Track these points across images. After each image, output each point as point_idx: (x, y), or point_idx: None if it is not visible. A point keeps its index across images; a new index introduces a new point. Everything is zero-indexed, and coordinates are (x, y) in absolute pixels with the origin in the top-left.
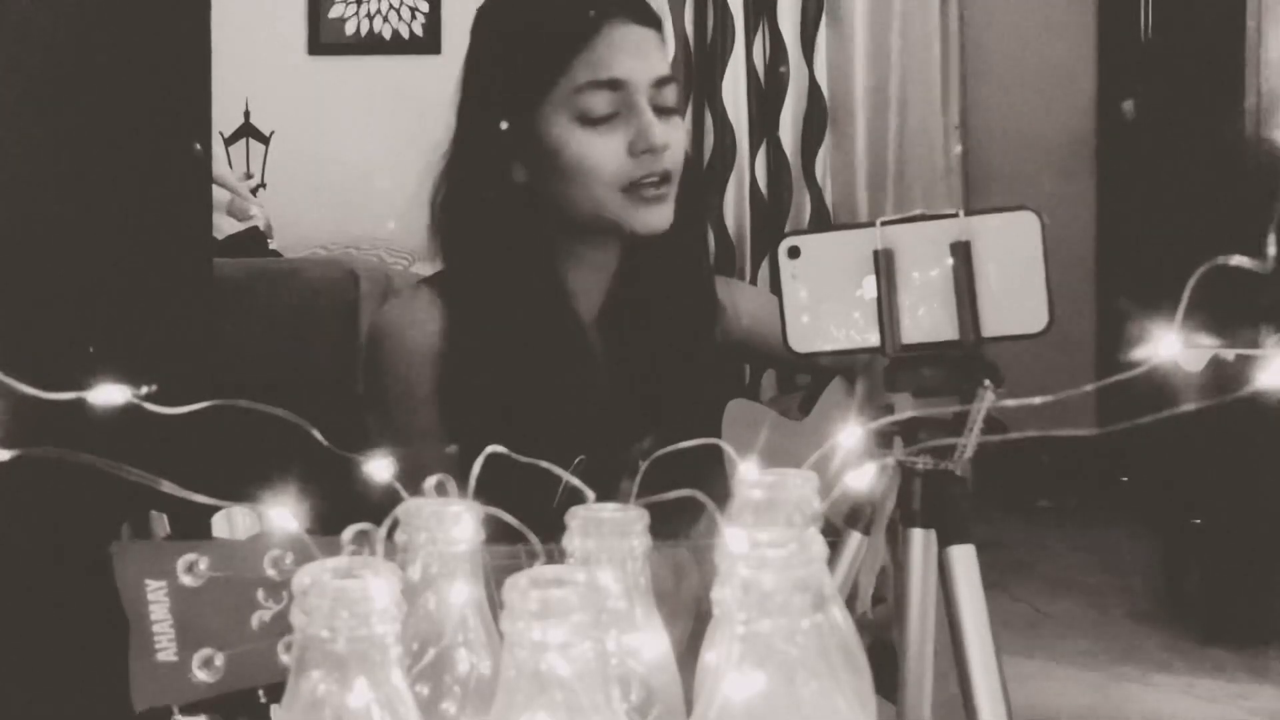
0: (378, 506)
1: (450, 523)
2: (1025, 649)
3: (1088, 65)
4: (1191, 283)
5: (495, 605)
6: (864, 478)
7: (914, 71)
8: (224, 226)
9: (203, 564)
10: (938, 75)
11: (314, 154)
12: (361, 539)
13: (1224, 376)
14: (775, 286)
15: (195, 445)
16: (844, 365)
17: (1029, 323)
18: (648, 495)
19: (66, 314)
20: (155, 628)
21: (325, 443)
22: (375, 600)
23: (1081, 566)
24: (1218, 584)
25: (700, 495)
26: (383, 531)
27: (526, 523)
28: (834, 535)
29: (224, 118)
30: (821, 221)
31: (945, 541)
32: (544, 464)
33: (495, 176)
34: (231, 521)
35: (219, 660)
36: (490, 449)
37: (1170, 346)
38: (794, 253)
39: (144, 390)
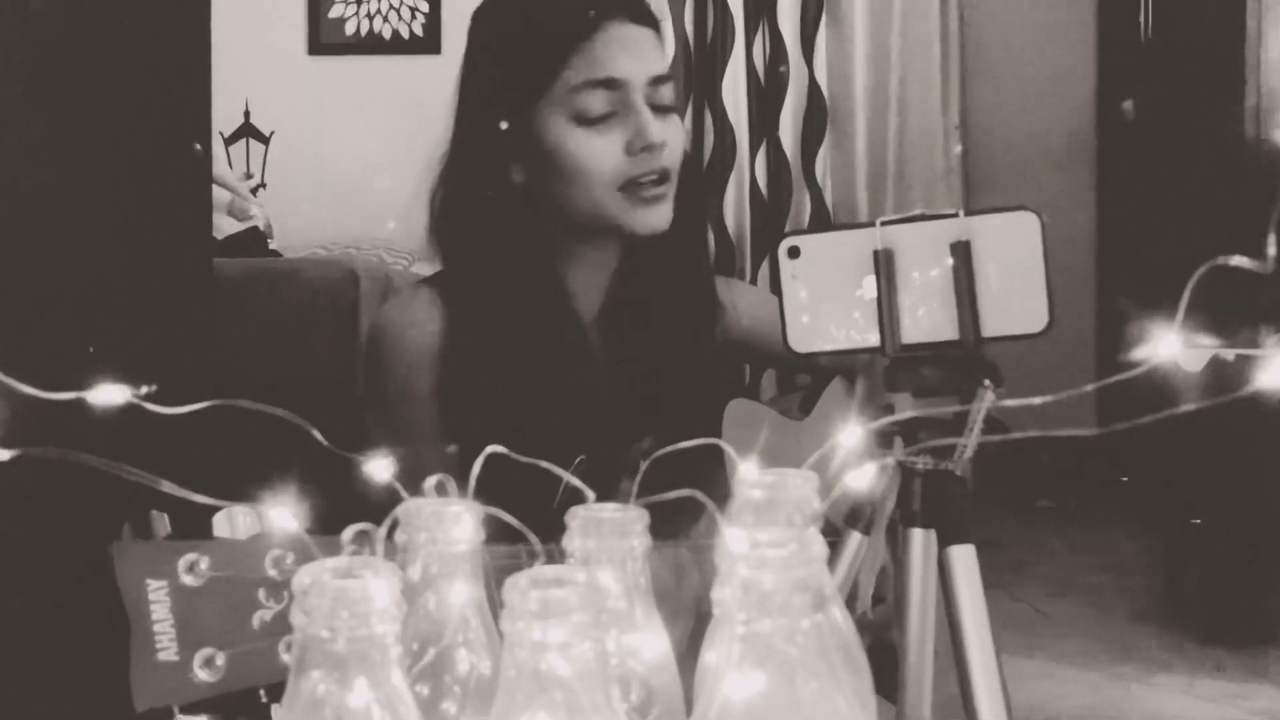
0: (378, 506)
1: (450, 523)
2: (1025, 649)
3: (1088, 65)
4: (1191, 283)
5: (495, 605)
6: (864, 478)
7: (914, 71)
8: (224, 226)
9: (204, 564)
10: (938, 75)
11: (314, 154)
12: (361, 539)
13: (1224, 376)
14: (775, 286)
15: (195, 445)
16: (844, 365)
17: (1029, 323)
18: (648, 495)
19: (66, 314)
20: (156, 627)
21: (325, 443)
22: (375, 600)
23: (1081, 566)
24: (1218, 584)
25: (700, 495)
26: (383, 531)
27: (526, 523)
28: (834, 535)
29: (224, 118)
30: (821, 221)
31: (945, 541)
32: (544, 464)
33: (494, 177)
34: (232, 521)
35: (220, 660)
36: (490, 449)
37: (1170, 346)
38: (794, 253)
39: (144, 390)
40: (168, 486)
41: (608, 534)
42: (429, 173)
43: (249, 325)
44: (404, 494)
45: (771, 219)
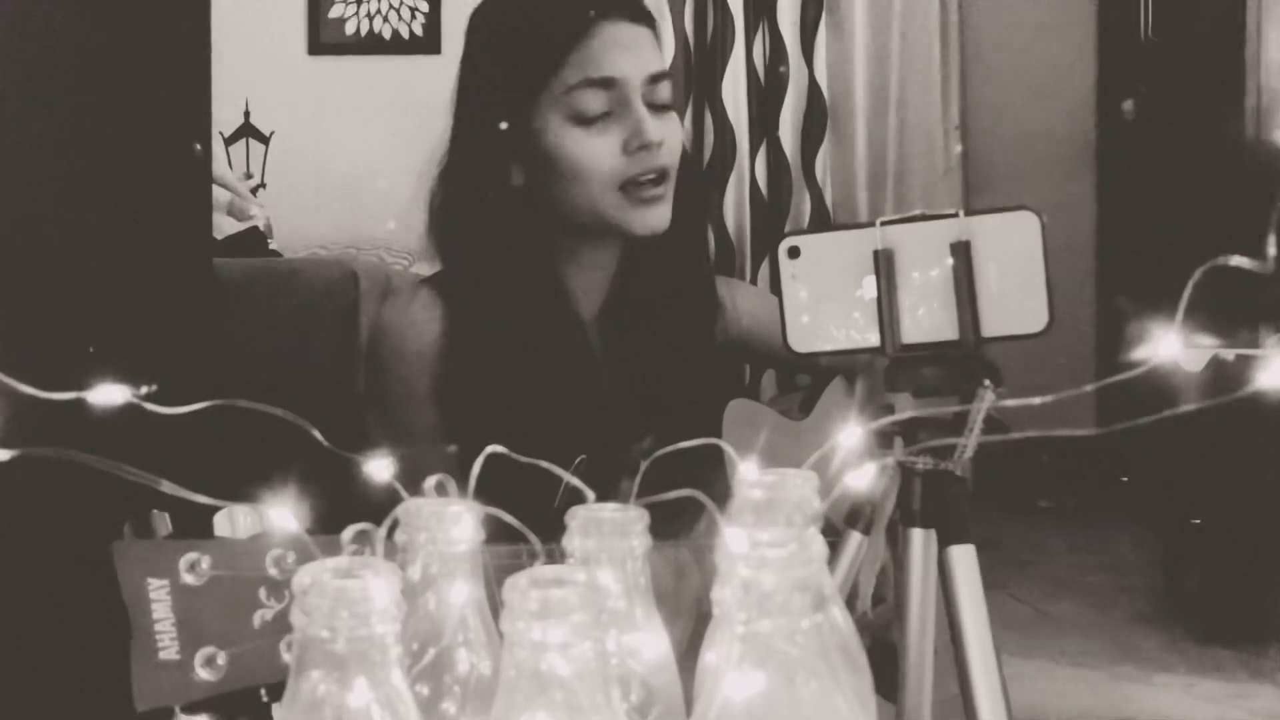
0: (378, 506)
1: (450, 523)
2: (1025, 649)
3: (1088, 65)
4: (1191, 283)
5: (495, 605)
6: (864, 478)
7: (914, 71)
8: (224, 226)
9: (205, 563)
10: (938, 75)
11: (314, 154)
12: (361, 539)
13: (1224, 376)
14: (775, 286)
15: (195, 445)
16: (844, 365)
17: (1029, 323)
18: (648, 495)
19: (66, 314)
20: (157, 626)
21: (325, 443)
22: (375, 600)
23: (1081, 566)
24: (1218, 584)
25: (700, 495)
26: (383, 531)
27: (526, 523)
28: (834, 535)
29: (224, 118)
30: (821, 221)
31: (945, 541)
32: (544, 464)
33: (493, 178)
34: (233, 520)
35: (221, 659)
36: (490, 449)
37: (1170, 346)
38: (794, 253)
39: (144, 390)
40: (168, 486)
41: (608, 534)
42: (428, 173)
43: (249, 325)
44: (404, 494)
45: (771, 219)
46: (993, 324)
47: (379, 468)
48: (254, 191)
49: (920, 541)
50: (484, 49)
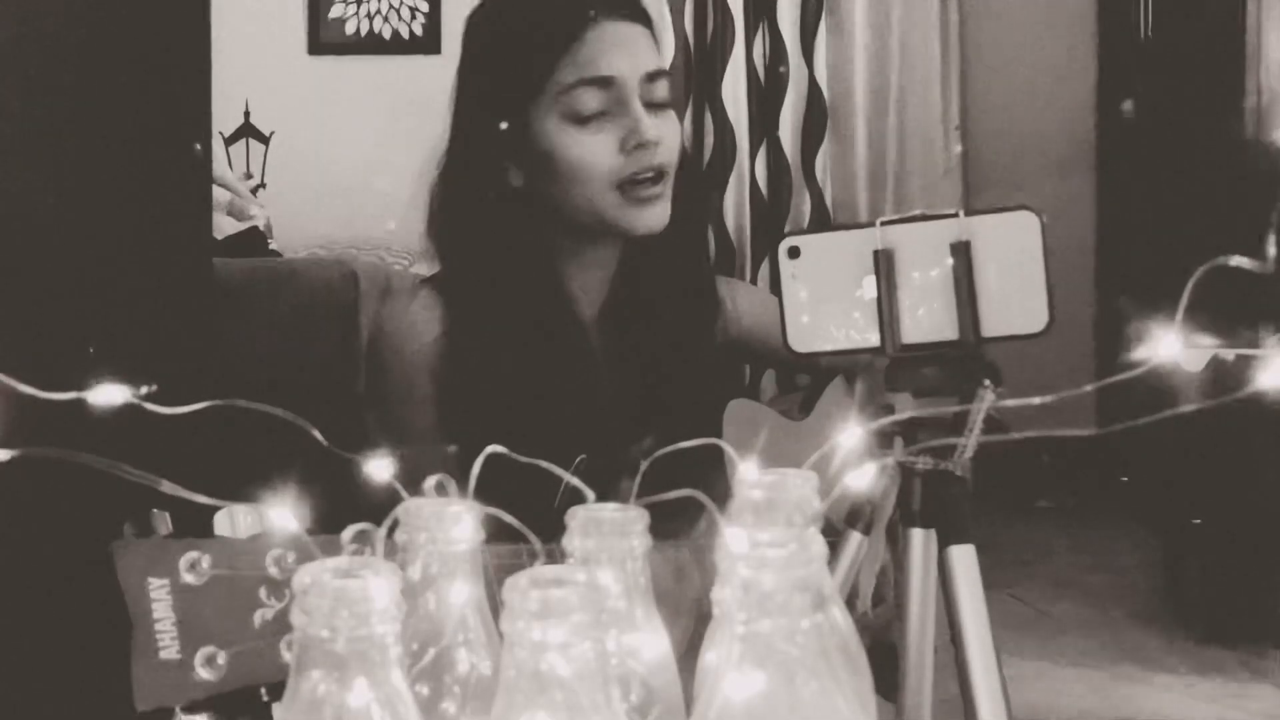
0: (378, 506)
1: (450, 523)
2: (1025, 649)
3: (1088, 65)
4: (1191, 283)
5: (495, 605)
6: (864, 478)
7: (914, 71)
8: (224, 226)
9: (205, 562)
10: (938, 75)
11: (314, 154)
12: (361, 539)
13: (1224, 376)
14: (775, 286)
15: (195, 445)
16: (844, 365)
17: (1029, 323)
18: (648, 495)
19: (66, 314)
20: (158, 626)
21: (325, 443)
22: (375, 600)
23: (1081, 566)
24: (1218, 584)
25: (700, 495)
26: (383, 531)
27: (526, 523)
28: (834, 535)
29: (224, 118)
30: (821, 221)
31: (945, 541)
32: (544, 464)
33: (491, 179)
34: (233, 520)
35: (221, 658)
36: (490, 449)
37: (1170, 346)
38: (794, 253)
39: (144, 390)
40: (168, 486)
41: (608, 534)
42: (428, 173)
43: (249, 325)
44: (404, 494)
45: (771, 219)
46: (993, 324)
47: (379, 468)
48: (254, 191)
49: (920, 541)
50: (481, 50)
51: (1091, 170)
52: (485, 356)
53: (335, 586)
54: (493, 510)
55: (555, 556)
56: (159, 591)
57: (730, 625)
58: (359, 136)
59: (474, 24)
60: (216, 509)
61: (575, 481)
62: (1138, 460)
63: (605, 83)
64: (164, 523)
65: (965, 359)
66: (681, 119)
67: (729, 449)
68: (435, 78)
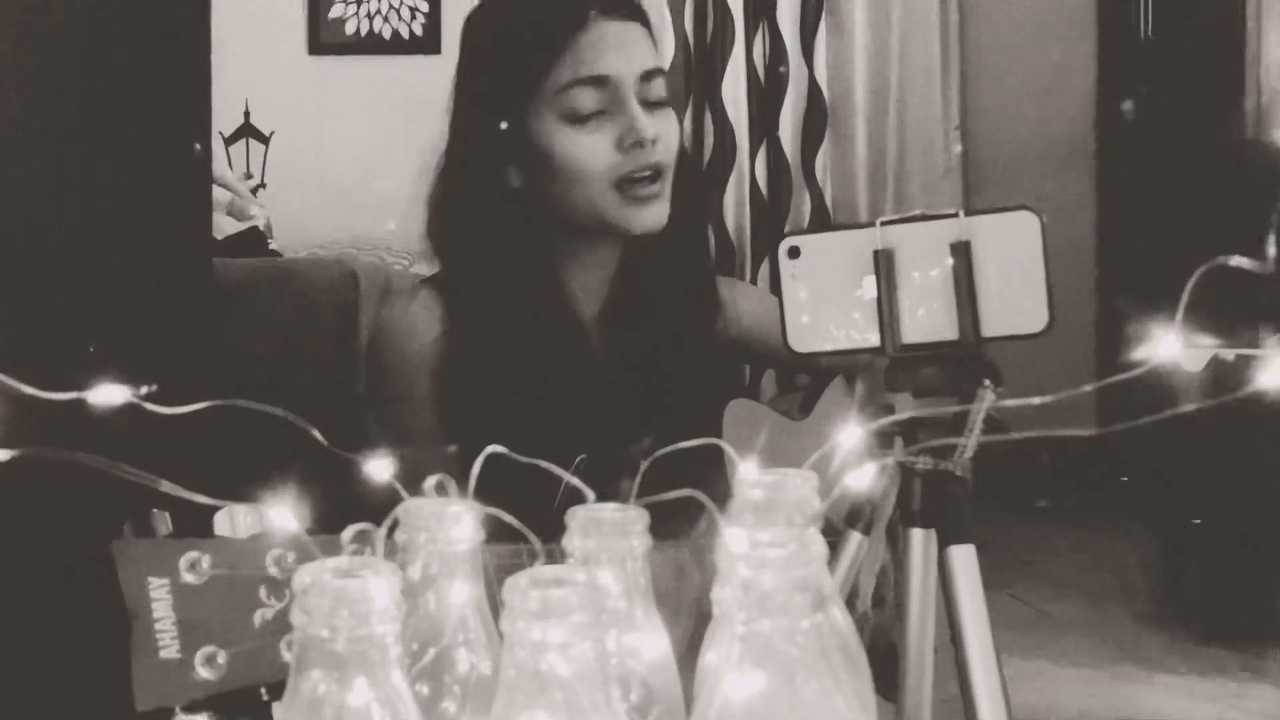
0: (378, 506)
1: (450, 523)
2: (1025, 649)
3: (1088, 65)
4: (1191, 283)
5: (495, 605)
6: (864, 478)
7: (914, 71)
8: (224, 226)
9: (205, 562)
10: (938, 75)
11: (314, 154)
12: (361, 539)
13: (1224, 376)
14: (775, 286)
15: (195, 445)
16: (844, 365)
17: (1029, 323)
18: (648, 495)
19: (66, 314)
20: (158, 626)
21: (325, 443)
22: (375, 600)
23: (1081, 566)
24: (1218, 584)
25: (700, 495)
26: (383, 531)
27: (526, 523)
28: (834, 535)
29: (224, 118)
30: (821, 221)
31: (945, 541)
32: (544, 464)
33: (489, 179)
34: (233, 519)
35: (221, 658)
36: (490, 449)
37: (1170, 346)
38: (794, 253)
39: (144, 390)
40: (168, 486)
41: (608, 534)
42: (426, 175)
43: (249, 325)
44: (404, 494)
45: (771, 219)
46: (993, 324)
47: (379, 468)
48: (254, 191)
49: (920, 541)
50: (478, 50)
51: (1091, 170)
52: (485, 356)
53: (335, 586)
54: (493, 510)
55: (555, 556)
56: (159, 591)
57: (730, 625)
58: (359, 136)
59: (472, 24)
60: (216, 509)
61: (575, 481)
62: (1138, 460)
63: (601, 82)
64: (164, 523)
65: (965, 359)
66: (681, 119)
67: (729, 449)
68: (435, 78)
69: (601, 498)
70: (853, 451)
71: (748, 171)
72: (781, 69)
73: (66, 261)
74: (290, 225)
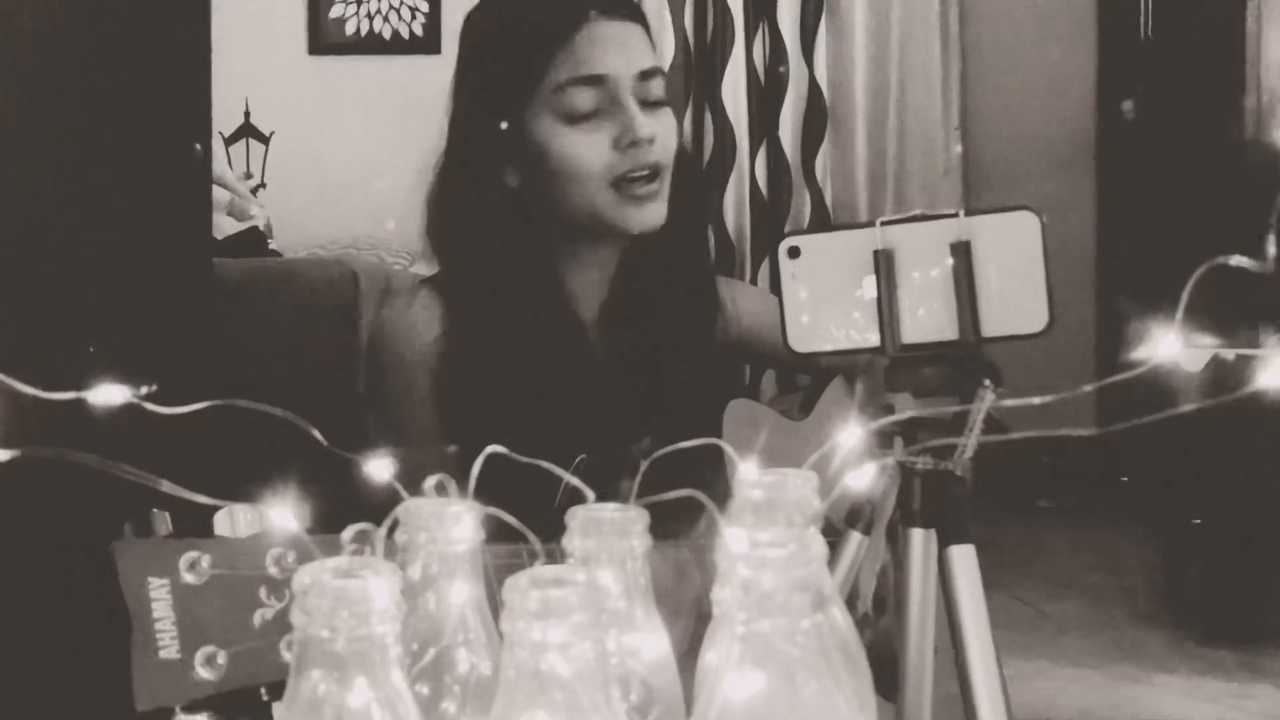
0: (378, 506)
1: (450, 523)
2: (1025, 649)
3: (1088, 65)
4: (1191, 283)
5: (495, 605)
6: (864, 478)
7: (914, 71)
8: (224, 226)
9: (205, 562)
10: (938, 75)
11: (314, 154)
12: (361, 539)
13: (1224, 376)
14: (775, 286)
15: (195, 445)
16: (844, 365)
17: (1029, 323)
18: (648, 495)
19: (66, 314)
20: (158, 625)
21: (325, 443)
22: (375, 600)
23: (1081, 566)
24: (1218, 584)
25: (700, 495)
26: (383, 531)
27: (526, 523)
28: (834, 535)
29: (224, 118)
30: (821, 221)
31: (945, 541)
32: (544, 464)
33: (487, 179)
34: (233, 519)
35: (221, 658)
36: (490, 449)
37: (1170, 346)
38: (794, 253)
39: (144, 390)
40: (168, 486)
41: (608, 534)
42: (425, 175)
43: (249, 325)
44: (404, 494)
45: (771, 219)
46: (993, 324)
47: (379, 468)
48: (254, 191)
49: (920, 541)
50: (477, 49)
51: (1091, 170)
52: (485, 356)
53: (335, 586)
54: (493, 510)
55: (555, 556)
56: (159, 591)
57: (730, 625)
58: (359, 136)
59: (471, 23)
60: (216, 509)
61: (575, 481)
62: (1138, 460)
63: (598, 81)
64: (164, 523)
65: (965, 359)
66: (681, 119)
67: (729, 449)
68: (435, 78)
69: (601, 498)
70: (853, 451)
71: (748, 171)
72: (781, 69)
73: (66, 261)
74: (290, 225)
